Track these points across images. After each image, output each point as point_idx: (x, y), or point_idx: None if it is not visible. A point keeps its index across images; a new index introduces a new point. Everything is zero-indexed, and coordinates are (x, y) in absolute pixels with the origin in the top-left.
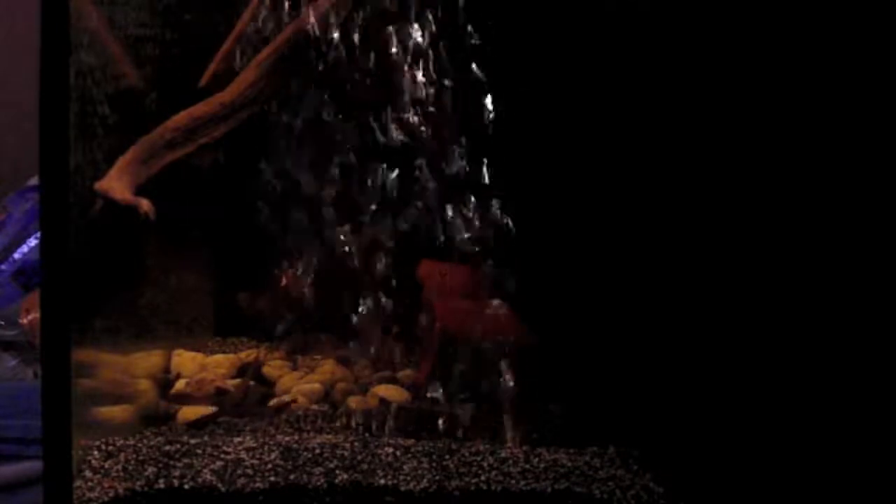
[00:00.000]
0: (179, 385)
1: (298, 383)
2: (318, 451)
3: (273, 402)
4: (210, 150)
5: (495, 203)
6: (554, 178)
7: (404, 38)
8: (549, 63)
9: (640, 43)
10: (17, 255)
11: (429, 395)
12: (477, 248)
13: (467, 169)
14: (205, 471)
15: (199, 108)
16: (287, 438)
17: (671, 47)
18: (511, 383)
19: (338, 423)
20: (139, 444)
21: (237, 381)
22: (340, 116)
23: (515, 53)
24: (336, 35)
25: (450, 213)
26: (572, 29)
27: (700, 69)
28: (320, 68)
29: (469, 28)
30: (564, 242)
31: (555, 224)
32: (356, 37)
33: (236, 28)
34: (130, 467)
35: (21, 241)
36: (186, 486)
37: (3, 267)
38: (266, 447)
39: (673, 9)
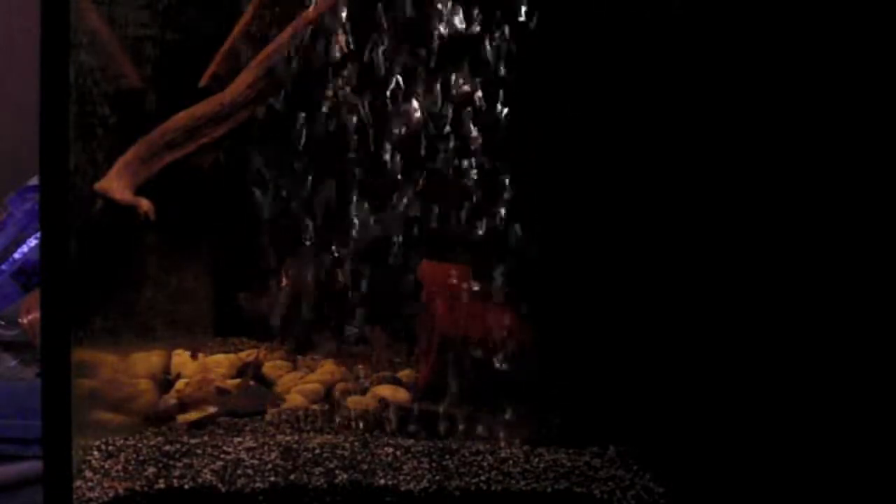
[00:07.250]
0: (179, 385)
1: (299, 383)
2: (318, 451)
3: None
4: (210, 150)
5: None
6: (557, 177)
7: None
8: (557, 64)
9: (640, 45)
10: (17, 255)
11: (428, 395)
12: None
13: (469, 169)
14: (205, 471)
15: (199, 108)
16: (287, 438)
17: (672, 50)
18: (511, 383)
19: (337, 422)
20: (139, 444)
21: (237, 380)
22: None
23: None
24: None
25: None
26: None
27: (702, 70)
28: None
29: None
30: (566, 243)
31: (557, 224)
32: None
33: (236, 28)
34: (130, 467)
35: (21, 241)
36: (186, 486)
37: (3, 267)
38: (266, 447)
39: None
